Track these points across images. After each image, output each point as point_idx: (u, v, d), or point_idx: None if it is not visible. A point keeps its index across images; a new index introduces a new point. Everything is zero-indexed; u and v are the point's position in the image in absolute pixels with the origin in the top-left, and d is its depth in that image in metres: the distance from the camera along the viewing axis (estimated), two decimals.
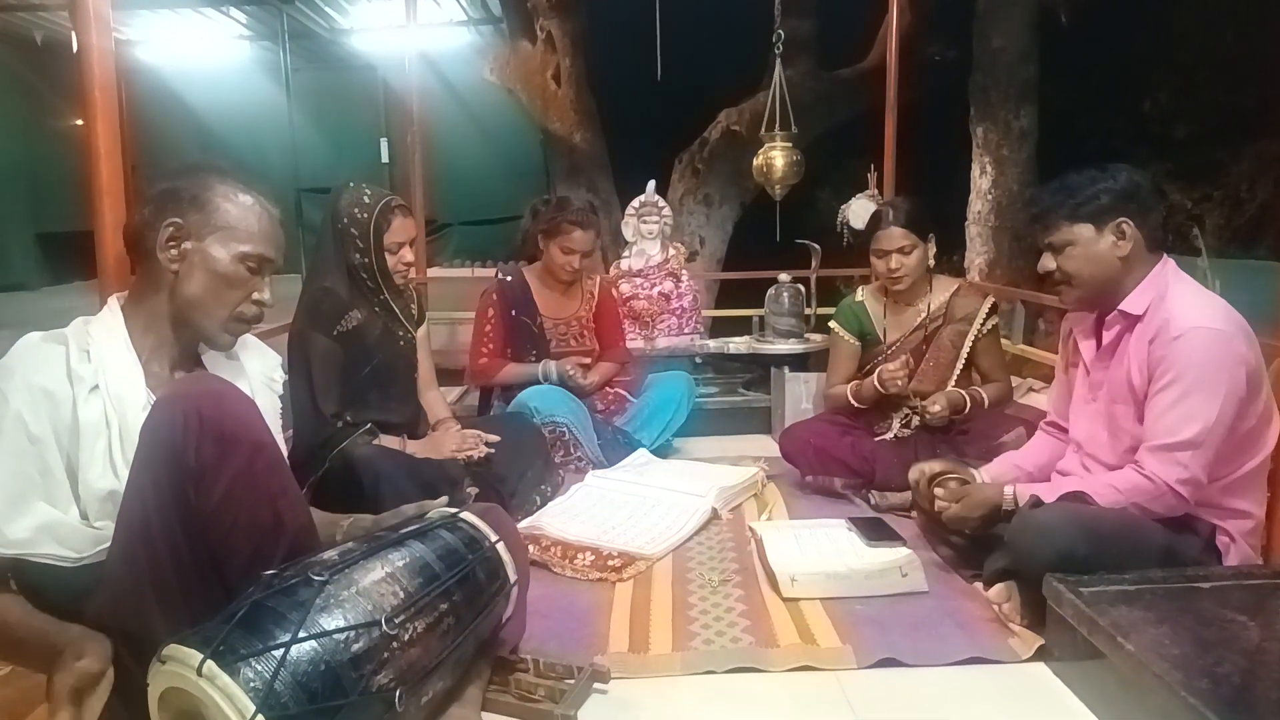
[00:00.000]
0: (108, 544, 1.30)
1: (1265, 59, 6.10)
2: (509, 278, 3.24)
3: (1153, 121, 7.11)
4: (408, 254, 2.52)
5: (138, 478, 1.28)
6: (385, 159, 9.55)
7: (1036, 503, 1.82)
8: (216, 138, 9.48)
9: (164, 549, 1.27)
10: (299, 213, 7.79)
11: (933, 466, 2.16)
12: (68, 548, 1.31)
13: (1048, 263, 1.96)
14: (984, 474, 2.14)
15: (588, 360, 3.15)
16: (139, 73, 8.84)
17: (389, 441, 2.45)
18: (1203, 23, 6.70)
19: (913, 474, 2.19)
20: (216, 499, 1.27)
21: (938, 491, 2.06)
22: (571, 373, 3.08)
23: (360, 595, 1.28)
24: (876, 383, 2.69)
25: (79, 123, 1.82)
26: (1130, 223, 1.86)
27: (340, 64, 9.36)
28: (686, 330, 3.93)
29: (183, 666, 1.14)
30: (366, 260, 2.44)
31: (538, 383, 3.10)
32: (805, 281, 3.86)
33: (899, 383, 2.66)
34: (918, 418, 2.70)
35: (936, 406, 2.61)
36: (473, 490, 2.47)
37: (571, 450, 3.01)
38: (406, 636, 1.29)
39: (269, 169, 9.09)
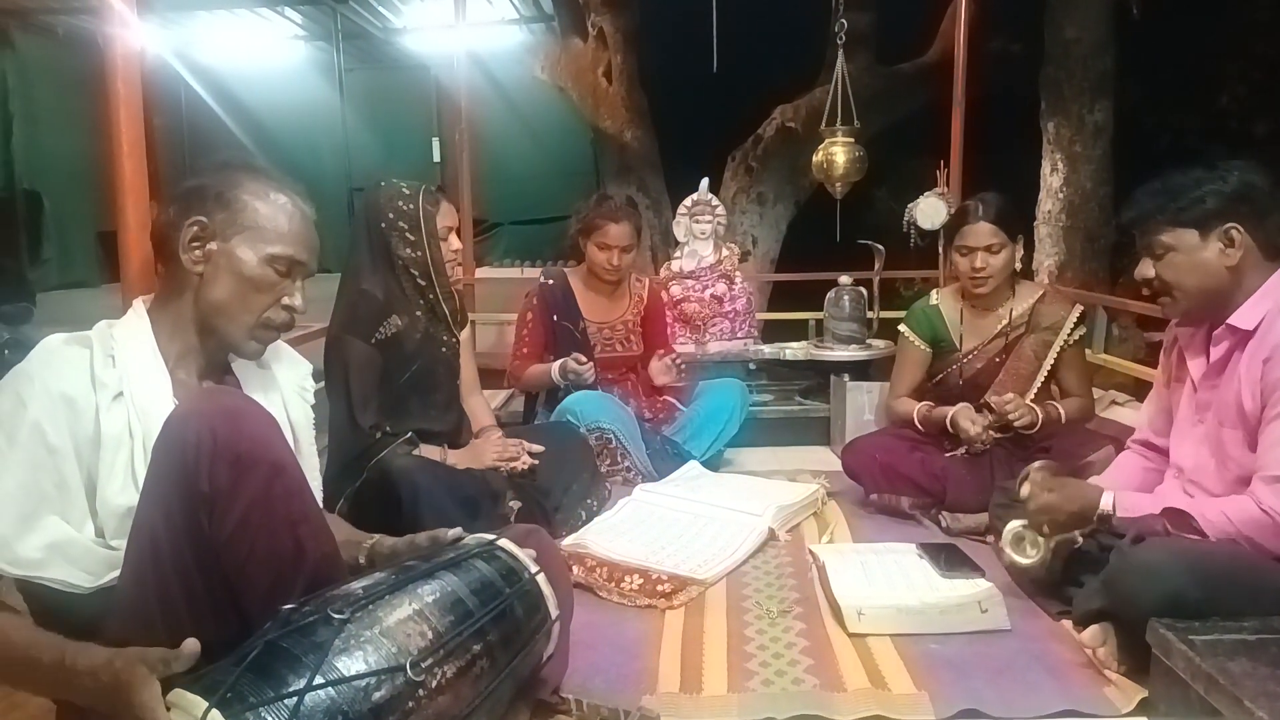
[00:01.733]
0: None
1: None
2: (551, 281, 3.12)
3: (1231, 117, 6.76)
4: (455, 241, 2.45)
5: (147, 502, 1.19)
6: (437, 158, 9.54)
7: (1138, 537, 1.63)
8: (271, 138, 9.55)
9: (174, 579, 1.17)
10: (351, 212, 7.80)
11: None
12: (81, 569, 1.22)
13: (1146, 270, 1.77)
14: None
15: (583, 357, 2.98)
16: (195, 73, 8.95)
17: (429, 451, 2.34)
18: None
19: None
20: (231, 526, 1.17)
21: (1035, 476, 1.86)
22: (574, 369, 2.88)
23: (384, 636, 1.16)
24: (950, 426, 2.50)
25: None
26: (1240, 229, 1.66)
27: (393, 64, 9.38)
28: (740, 334, 3.78)
29: (185, 716, 1.03)
30: (419, 254, 2.34)
31: (555, 385, 2.98)
32: (867, 284, 3.67)
33: (976, 432, 2.46)
34: (992, 432, 2.51)
35: (1010, 406, 2.42)
36: (515, 504, 2.35)
37: (619, 460, 2.87)
38: (435, 683, 1.16)
39: (322, 169, 9.14)
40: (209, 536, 1.17)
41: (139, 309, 1.40)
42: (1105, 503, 1.77)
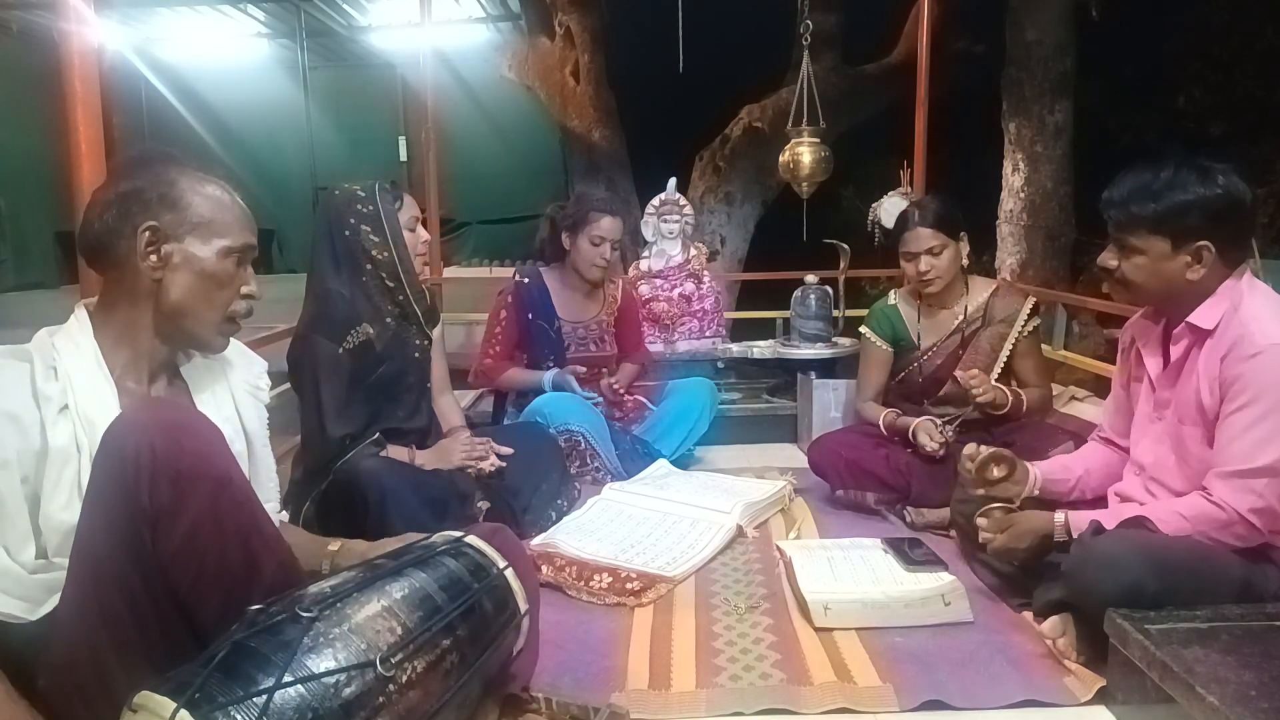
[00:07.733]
0: None
1: None
2: (526, 280, 3.12)
3: (1188, 118, 6.90)
4: (423, 232, 2.43)
5: (88, 517, 1.15)
6: (404, 157, 9.47)
7: (1098, 529, 1.67)
8: (234, 136, 9.43)
9: (118, 596, 1.14)
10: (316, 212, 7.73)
11: (985, 450, 1.94)
12: (17, 598, 1.18)
13: (1109, 260, 1.76)
14: (1034, 469, 1.97)
15: (583, 369, 3.01)
16: (156, 71, 8.81)
17: (396, 452, 2.32)
18: (1239, 16, 6.49)
19: (966, 451, 1.97)
20: (177, 543, 1.14)
21: (980, 522, 1.89)
22: (573, 382, 2.94)
23: (353, 633, 1.15)
24: (912, 437, 2.53)
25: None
26: (1212, 248, 1.66)
27: (358, 61, 9.30)
28: (708, 333, 3.80)
29: (153, 717, 1.02)
30: (386, 254, 2.30)
31: (540, 391, 2.97)
32: (833, 283, 3.71)
33: (933, 448, 2.48)
34: (952, 429, 2.55)
35: (975, 381, 2.43)
36: (484, 505, 2.34)
37: (588, 460, 2.88)
38: (405, 678, 1.16)
39: (287, 168, 9.04)
40: (154, 553, 1.14)
41: (80, 316, 1.35)
42: (1058, 528, 1.79)
